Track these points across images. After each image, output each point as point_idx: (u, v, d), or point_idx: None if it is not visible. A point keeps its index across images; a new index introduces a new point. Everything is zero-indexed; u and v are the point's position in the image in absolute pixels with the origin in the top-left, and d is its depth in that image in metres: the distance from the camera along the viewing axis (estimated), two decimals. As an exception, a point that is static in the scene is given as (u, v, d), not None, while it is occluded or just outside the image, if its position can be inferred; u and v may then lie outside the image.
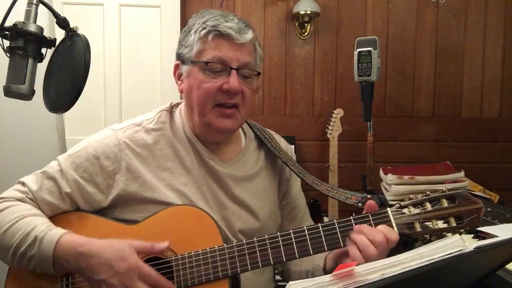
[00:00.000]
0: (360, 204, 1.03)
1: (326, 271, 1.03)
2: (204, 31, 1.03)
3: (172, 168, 1.08)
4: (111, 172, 1.06)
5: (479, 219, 0.88)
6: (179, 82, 1.12)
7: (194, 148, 1.11)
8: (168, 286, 0.92)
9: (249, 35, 1.04)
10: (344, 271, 0.67)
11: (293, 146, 2.64)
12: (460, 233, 0.88)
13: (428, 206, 0.90)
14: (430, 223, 0.89)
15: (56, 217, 1.06)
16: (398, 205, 0.92)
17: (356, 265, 0.68)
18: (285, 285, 1.26)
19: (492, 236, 1.30)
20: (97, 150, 1.07)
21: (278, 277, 1.25)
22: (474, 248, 0.67)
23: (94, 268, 0.91)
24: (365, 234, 0.89)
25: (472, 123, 2.82)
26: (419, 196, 0.92)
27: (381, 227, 0.90)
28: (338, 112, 2.62)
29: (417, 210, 0.90)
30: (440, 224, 0.89)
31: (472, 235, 1.42)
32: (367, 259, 0.87)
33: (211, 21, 1.03)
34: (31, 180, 1.07)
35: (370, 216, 0.92)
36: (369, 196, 1.03)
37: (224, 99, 1.04)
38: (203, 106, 1.05)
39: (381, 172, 2.44)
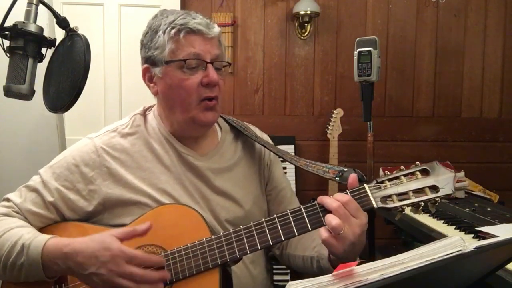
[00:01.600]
0: (337, 178, 1.05)
1: (331, 261, 1.04)
2: (174, 30, 1.05)
3: (152, 168, 1.10)
4: (92, 178, 1.08)
5: (453, 187, 0.92)
6: (152, 84, 1.13)
7: (172, 146, 1.13)
8: (157, 260, 0.95)
9: (216, 29, 1.09)
10: (344, 271, 0.67)
11: (293, 146, 2.65)
12: (436, 202, 0.93)
13: (404, 180, 0.94)
14: (407, 195, 0.93)
15: (45, 229, 1.08)
16: (375, 181, 0.96)
17: (356, 265, 0.68)
18: (282, 279, 1.27)
19: (492, 236, 1.31)
20: (75, 159, 1.09)
21: (276, 276, 1.26)
22: (474, 248, 0.67)
23: (82, 264, 0.93)
24: (326, 205, 0.93)
25: (472, 123, 2.82)
26: (394, 172, 0.96)
27: (336, 194, 0.94)
28: (338, 112, 2.62)
29: (393, 184, 0.94)
30: (417, 196, 0.94)
31: (472, 235, 1.42)
32: (335, 229, 0.89)
33: (179, 20, 1.05)
34: (15, 195, 1.10)
35: (348, 193, 0.95)
36: (345, 169, 1.05)
37: (206, 93, 1.07)
38: (187, 103, 1.08)
39: (381, 172, 2.44)
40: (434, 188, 0.93)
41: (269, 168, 1.25)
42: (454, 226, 1.55)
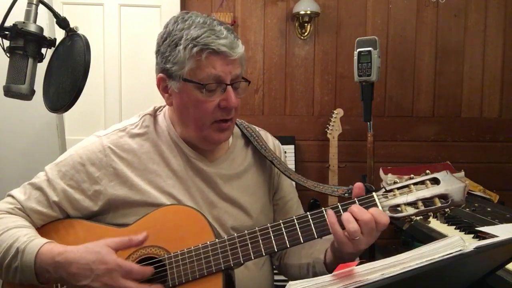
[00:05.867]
0: (346, 195, 1.03)
1: (326, 264, 1.04)
2: (196, 49, 0.99)
3: (159, 170, 1.09)
4: (98, 178, 1.06)
5: (463, 197, 0.90)
6: (167, 95, 1.10)
7: (180, 150, 1.11)
8: (152, 272, 0.95)
9: (240, 48, 1.03)
10: (344, 271, 0.67)
11: (293, 146, 2.65)
12: (446, 212, 0.90)
13: (413, 189, 0.92)
14: (416, 205, 0.91)
15: (47, 225, 1.07)
16: (383, 189, 0.94)
17: (356, 265, 0.68)
18: (282, 279, 1.26)
19: (492, 236, 1.31)
20: (82, 157, 1.07)
21: (276, 276, 1.25)
22: (474, 248, 0.67)
23: (75, 275, 0.92)
24: (353, 212, 0.91)
25: (472, 123, 2.82)
26: (404, 180, 0.94)
27: (372, 209, 0.92)
28: (338, 112, 2.62)
29: (402, 193, 0.93)
30: (426, 205, 0.92)
31: (472, 235, 1.42)
32: (351, 234, 0.88)
33: (203, 38, 0.99)
34: (19, 192, 1.08)
35: (356, 201, 0.94)
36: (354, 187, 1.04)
37: (222, 115, 1.05)
38: (201, 124, 1.05)
39: (381, 172, 2.45)
40: (444, 198, 0.90)
41: (279, 177, 1.23)
42: (454, 226, 1.55)
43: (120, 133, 1.12)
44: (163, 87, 1.09)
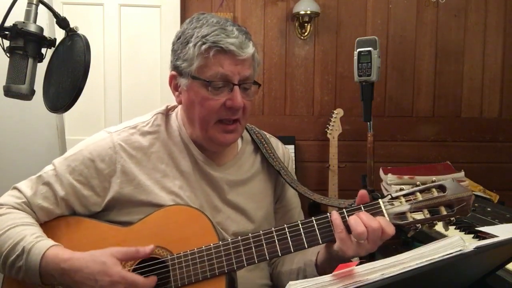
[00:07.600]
0: (353, 205, 1.03)
1: (317, 266, 1.03)
2: (204, 46, 1.00)
3: (167, 171, 1.08)
4: (107, 175, 1.06)
5: (469, 206, 0.90)
6: (177, 93, 1.10)
7: (190, 152, 1.11)
8: (154, 281, 0.95)
9: (250, 49, 1.03)
10: (344, 271, 0.67)
11: (293, 146, 2.65)
12: (451, 221, 0.90)
13: (419, 196, 0.92)
14: (421, 212, 0.91)
15: (51, 222, 1.07)
16: (389, 196, 0.94)
17: (356, 265, 0.68)
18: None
19: (492, 236, 1.31)
20: (92, 153, 1.07)
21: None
22: (474, 248, 0.67)
23: (78, 283, 0.93)
24: (361, 218, 0.90)
25: (472, 123, 2.82)
26: (410, 187, 0.94)
27: (380, 218, 0.91)
28: (338, 112, 2.62)
29: (408, 201, 0.92)
30: (432, 214, 0.91)
31: (472, 235, 1.42)
32: (357, 235, 0.88)
33: (212, 36, 1.00)
34: (26, 186, 1.07)
35: (362, 207, 0.93)
36: None
37: (227, 115, 1.04)
38: (206, 122, 1.05)
39: (381, 172, 2.45)
40: (450, 207, 0.90)
41: (283, 186, 1.22)
42: (454, 226, 1.55)
43: (131, 130, 1.11)
44: (174, 85, 1.11)
